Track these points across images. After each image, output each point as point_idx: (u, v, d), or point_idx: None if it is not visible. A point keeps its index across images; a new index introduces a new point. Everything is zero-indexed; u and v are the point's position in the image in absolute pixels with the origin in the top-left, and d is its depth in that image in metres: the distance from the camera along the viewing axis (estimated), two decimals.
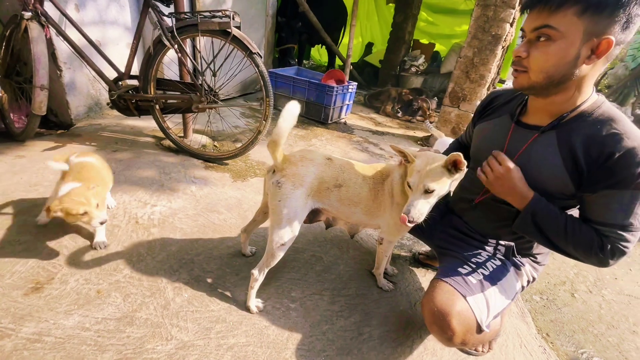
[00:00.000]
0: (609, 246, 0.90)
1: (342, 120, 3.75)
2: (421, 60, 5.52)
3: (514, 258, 1.17)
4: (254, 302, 1.24)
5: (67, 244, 1.40)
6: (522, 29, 0.94)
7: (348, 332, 1.25)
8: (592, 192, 0.92)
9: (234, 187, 2.05)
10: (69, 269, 1.28)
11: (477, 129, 1.27)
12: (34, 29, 1.99)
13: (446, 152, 1.37)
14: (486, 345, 1.27)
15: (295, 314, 1.28)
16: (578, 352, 1.44)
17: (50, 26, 2.06)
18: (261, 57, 2.01)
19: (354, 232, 1.38)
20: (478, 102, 3.16)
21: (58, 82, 2.44)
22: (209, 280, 1.35)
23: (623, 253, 0.90)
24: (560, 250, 1.00)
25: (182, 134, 2.45)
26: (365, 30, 7.48)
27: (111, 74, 2.18)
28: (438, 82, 5.56)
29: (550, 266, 1.98)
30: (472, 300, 1.01)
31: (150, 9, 1.98)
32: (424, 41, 6.34)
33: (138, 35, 2.08)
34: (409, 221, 1.00)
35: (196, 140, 2.48)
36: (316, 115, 3.47)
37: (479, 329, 1.01)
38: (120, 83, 2.12)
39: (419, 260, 1.72)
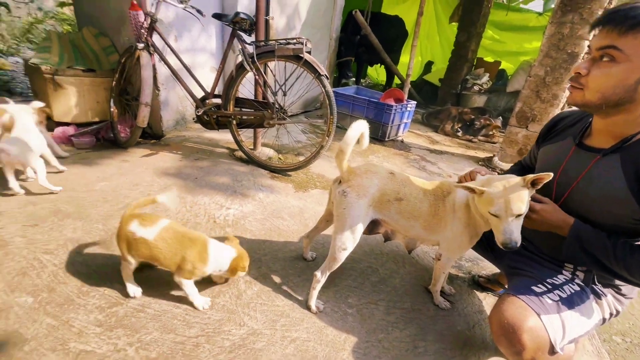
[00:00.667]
0: None
1: (399, 138, 3.78)
2: (485, 78, 5.34)
3: (594, 286, 1.11)
4: (315, 302, 1.34)
5: None
6: (588, 46, 0.94)
7: (403, 343, 1.28)
8: None
9: (296, 196, 2.22)
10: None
11: (541, 152, 1.25)
12: (144, 57, 2.43)
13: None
14: None
15: (352, 319, 1.35)
16: None
17: (155, 54, 2.50)
18: (328, 79, 2.19)
19: (412, 247, 1.42)
20: None
21: (156, 100, 2.90)
22: (275, 278, 1.49)
23: None
24: (618, 276, 0.96)
25: (252, 147, 2.72)
26: (425, 50, 7.47)
27: (198, 93, 2.54)
28: (504, 101, 5.30)
29: (636, 305, 1.77)
30: (546, 319, 0.97)
31: (235, 38, 2.30)
32: (489, 59, 6.12)
33: (224, 60, 2.40)
34: (509, 248, 1.00)
35: (263, 152, 2.73)
36: (374, 132, 3.56)
37: (552, 350, 0.97)
38: (206, 101, 2.45)
39: (478, 283, 1.67)
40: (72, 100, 2.85)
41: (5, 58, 5.10)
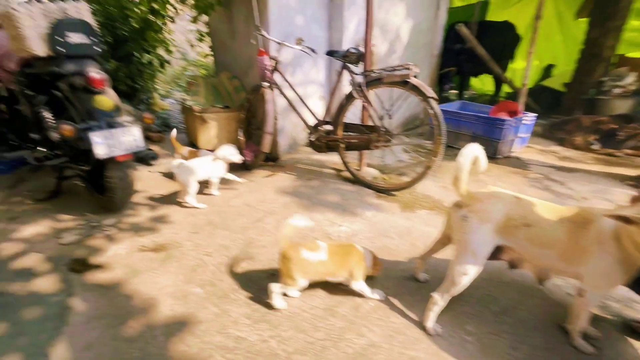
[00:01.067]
0: None
1: (515, 155, 3.43)
2: (630, 79, 4.39)
3: None
4: (433, 325, 1.35)
5: None
6: None
7: None
8: None
9: (402, 216, 2.25)
10: None
11: None
12: (268, 94, 2.89)
13: None
14: None
15: (472, 348, 1.30)
16: None
17: (276, 89, 2.94)
18: (436, 101, 2.20)
19: (544, 277, 1.31)
20: None
21: (274, 128, 3.37)
22: (389, 296, 1.56)
23: None
24: None
25: (357, 167, 2.89)
26: (544, 52, 6.56)
27: (310, 120, 2.86)
28: None
29: None
30: None
31: (345, 70, 2.54)
32: (634, 54, 5.02)
33: (334, 90, 2.67)
34: None
35: (368, 172, 2.86)
36: (484, 150, 3.31)
37: None
38: (319, 127, 2.74)
39: (633, 330, 1.40)
40: (212, 132, 3.55)
41: (164, 100, 6.66)
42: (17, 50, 1.97)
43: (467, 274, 1.23)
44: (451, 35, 4.76)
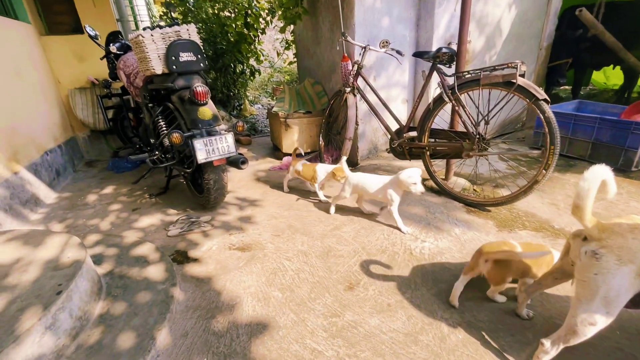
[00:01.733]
0: None
1: None
2: None
3: None
4: None
5: (365, 257, 1.86)
6: None
7: None
8: None
9: (499, 236, 1.97)
10: (368, 278, 1.70)
11: None
12: (350, 99, 2.86)
13: None
14: None
15: None
16: None
17: (358, 94, 2.88)
18: (549, 103, 1.86)
19: None
20: None
21: (355, 133, 3.33)
22: (481, 330, 1.36)
23: None
24: None
25: (444, 176, 2.65)
26: None
27: (393, 126, 2.73)
28: None
29: None
30: None
31: (435, 71, 2.34)
32: None
33: (421, 94, 2.49)
34: None
35: (457, 183, 2.60)
36: (610, 159, 2.70)
37: None
38: (403, 134, 2.60)
39: None
40: (295, 136, 3.70)
41: (253, 106, 7.25)
42: (143, 70, 2.35)
43: (595, 325, 0.98)
44: (566, 21, 4.02)
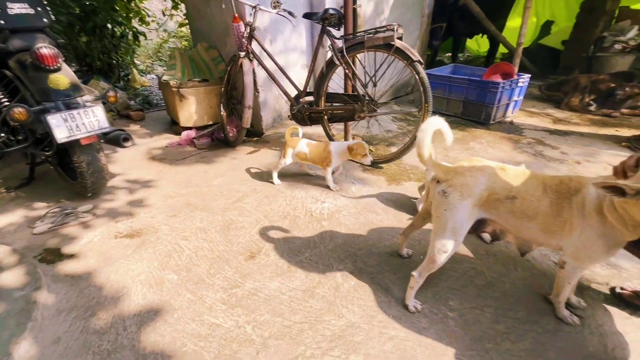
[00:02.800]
0: None
1: (508, 119, 3.30)
2: (632, 32, 4.16)
3: None
4: (413, 302, 1.31)
5: (267, 225, 1.85)
6: None
7: (516, 357, 1.15)
8: None
9: (389, 189, 2.17)
10: (269, 245, 1.70)
11: None
12: (246, 64, 2.69)
13: None
14: None
15: (454, 324, 1.27)
16: None
17: (255, 59, 2.74)
18: (422, 64, 2.04)
19: (526, 250, 1.25)
20: None
21: (256, 102, 3.19)
22: (370, 274, 1.51)
23: None
24: None
25: (344, 139, 2.76)
26: (542, 8, 6.20)
27: (292, 92, 2.69)
28: None
29: None
30: None
31: (325, 35, 2.34)
32: (638, 6, 4.73)
33: (314, 57, 2.48)
34: None
35: None
36: (475, 115, 3.19)
37: None
38: (300, 99, 2.58)
39: (620, 297, 1.36)
40: (192, 108, 3.38)
41: (144, 76, 6.35)
42: None
43: (447, 252, 1.16)
44: None
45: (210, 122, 3.54)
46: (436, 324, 1.27)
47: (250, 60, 2.73)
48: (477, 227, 1.24)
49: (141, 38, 5.48)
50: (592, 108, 3.44)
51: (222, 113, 3.20)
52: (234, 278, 1.50)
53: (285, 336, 1.23)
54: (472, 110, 3.19)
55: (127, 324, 1.29)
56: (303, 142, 2.20)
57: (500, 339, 1.21)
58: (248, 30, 2.62)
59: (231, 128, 3.33)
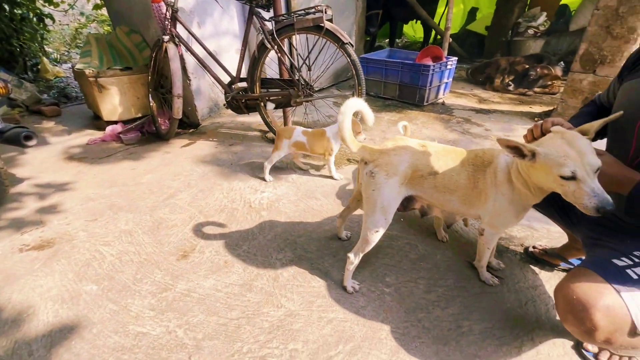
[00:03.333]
0: None
1: (440, 101, 3.49)
2: (541, 19, 4.62)
3: None
4: (350, 283, 1.33)
5: (202, 221, 1.74)
6: None
7: (445, 322, 1.22)
8: None
9: (329, 174, 2.17)
10: (204, 242, 1.61)
11: (623, 89, 1.01)
12: (171, 49, 2.47)
13: (578, 118, 1.15)
14: None
15: (390, 299, 1.31)
16: None
17: (181, 44, 2.52)
18: (353, 47, 2.04)
19: (451, 221, 1.32)
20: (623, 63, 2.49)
21: (188, 90, 2.97)
22: (310, 260, 1.50)
23: None
24: None
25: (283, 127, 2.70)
26: None
27: (225, 79, 2.54)
28: (565, 43, 4.56)
29: None
30: (627, 296, 0.84)
31: (254, 16, 2.22)
32: None
33: (245, 41, 2.35)
34: (607, 212, 0.83)
35: None
36: (410, 97, 3.32)
37: (634, 331, 0.84)
38: (233, 86, 2.45)
39: (532, 255, 1.52)
40: (115, 99, 3.04)
41: (59, 66, 5.59)
42: None
43: (378, 231, 1.18)
44: None
45: (139, 115, 3.22)
46: (373, 301, 1.30)
47: (176, 45, 2.51)
48: (407, 205, 1.28)
49: (52, 22, 4.78)
50: (511, 88, 3.78)
51: (151, 104, 2.93)
52: (164, 281, 1.39)
53: (220, 335, 1.16)
54: (407, 93, 3.31)
55: (34, 348, 1.13)
56: (298, 130, 2.01)
57: (432, 307, 1.28)
58: (170, 11, 2.40)
59: (163, 120, 3.07)
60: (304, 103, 2.37)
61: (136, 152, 2.64)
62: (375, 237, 1.21)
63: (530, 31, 4.62)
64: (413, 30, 7.20)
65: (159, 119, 2.99)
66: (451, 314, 1.25)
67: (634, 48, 2.44)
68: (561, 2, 5.10)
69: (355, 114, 1.13)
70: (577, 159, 0.84)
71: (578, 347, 1.13)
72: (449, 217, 1.30)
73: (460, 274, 1.43)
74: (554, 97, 3.62)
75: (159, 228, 1.70)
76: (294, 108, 2.56)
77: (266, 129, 2.69)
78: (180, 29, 2.50)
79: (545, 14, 4.68)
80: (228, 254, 1.53)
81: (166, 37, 2.45)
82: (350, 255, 1.27)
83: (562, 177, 0.86)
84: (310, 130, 2.04)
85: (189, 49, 2.52)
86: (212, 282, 1.38)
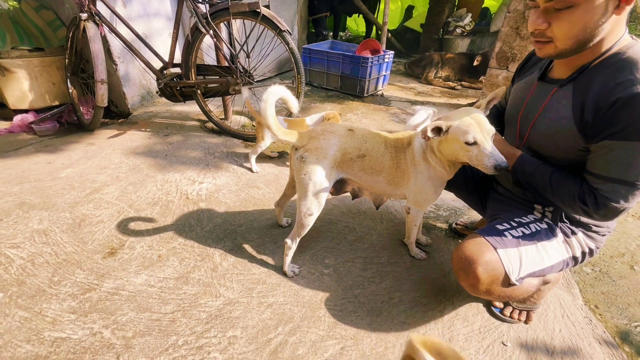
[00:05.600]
0: (594, 198, 0.89)
1: (379, 92, 3.65)
2: (467, 19, 5.05)
3: (562, 224, 1.11)
4: (290, 267, 1.35)
5: (133, 216, 1.63)
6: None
7: (379, 296, 1.31)
8: (594, 143, 0.88)
9: (271, 163, 2.16)
10: (135, 237, 1.50)
11: (513, 89, 1.21)
12: (91, 29, 2.22)
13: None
14: (523, 313, 1.25)
15: (329, 279, 1.37)
16: (631, 325, 1.34)
17: (103, 24, 2.28)
18: (291, 35, 2.03)
19: (379, 202, 1.41)
20: None
21: (115, 76, 2.71)
22: (251, 248, 1.49)
23: (614, 208, 0.87)
24: (554, 203, 1.05)
25: (224, 116, 2.61)
26: None
27: (157, 64, 2.37)
28: (487, 42, 5.07)
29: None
30: (502, 252, 1.01)
31: None
32: None
33: (177, 24, 2.20)
34: (502, 169, 0.97)
35: (236, 120, 2.62)
36: (351, 88, 3.42)
37: (507, 282, 1.01)
38: (165, 72, 2.29)
39: (455, 231, 1.69)
40: (24, 85, 2.66)
41: None
42: None
43: (312, 214, 1.22)
44: None
45: (56, 103, 2.86)
46: (313, 283, 1.34)
47: (97, 24, 2.26)
48: (340, 188, 1.34)
49: None
50: (458, 87, 4.09)
51: (70, 90, 2.63)
52: (88, 281, 1.27)
53: (153, 331, 1.11)
54: (349, 84, 3.41)
55: None
56: (279, 119, 1.91)
57: (367, 283, 1.36)
58: None
59: (86, 109, 2.77)
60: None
61: (53, 144, 2.35)
62: (309, 220, 1.24)
63: (458, 30, 5.04)
64: (356, 24, 7.39)
65: (82, 107, 2.70)
66: (384, 288, 1.35)
67: None
68: (483, 5, 5.63)
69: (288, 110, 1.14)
70: (477, 127, 0.99)
71: (488, 306, 1.30)
72: (377, 199, 1.38)
73: (393, 251, 1.54)
74: (477, 91, 4.01)
75: (81, 225, 1.54)
76: (233, 97, 2.48)
77: (205, 118, 2.58)
78: (101, 6, 2.26)
79: (470, 15, 5.12)
80: (162, 247, 1.45)
81: (84, 15, 2.20)
82: (288, 240, 1.29)
83: (467, 143, 1.00)
84: (291, 118, 2.05)
85: (112, 29, 2.29)
86: (144, 277, 1.30)
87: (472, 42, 5.08)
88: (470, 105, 3.39)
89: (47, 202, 1.69)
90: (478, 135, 0.98)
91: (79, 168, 2.02)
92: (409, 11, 6.65)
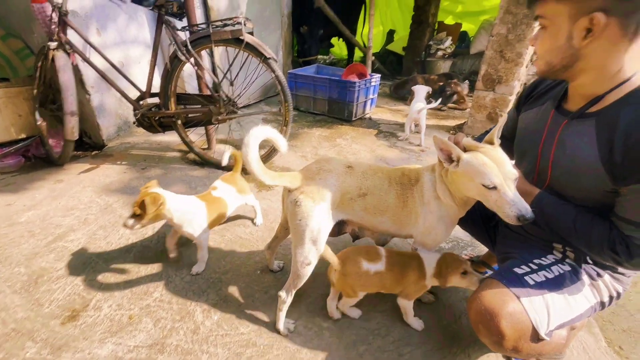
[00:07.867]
0: (627, 247, 0.80)
1: (367, 116, 3.60)
2: (448, 42, 5.18)
3: (587, 266, 1.00)
4: (284, 324, 1.18)
5: (101, 267, 1.42)
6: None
7: (387, 352, 1.15)
8: (625, 186, 0.79)
9: (259, 197, 2.00)
10: (102, 294, 1.30)
11: (520, 119, 1.12)
12: (60, 58, 2.07)
13: (482, 136, 1.21)
14: None
15: (329, 334, 1.20)
16: None
17: (75, 53, 2.14)
18: (277, 62, 1.94)
19: (383, 242, 1.27)
20: (516, 83, 2.87)
21: (88, 106, 2.54)
22: (238, 300, 1.31)
23: None
24: (577, 248, 0.94)
25: (207, 146, 2.46)
26: (385, 18, 7.17)
27: (135, 93, 2.22)
28: (468, 64, 5.18)
29: None
30: (527, 302, 0.87)
31: (163, 25, 1.98)
32: (450, 22, 5.95)
33: (155, 52, 2.09)
34: (527, 220, 0.85)
35: (220, 150, 2.47)
36: (339, 113, 3.35)
37: (536, 337, 0.87)
38: (142, 102, 2.15)
39: None
40: None
41: None
42: None
43: (310, 263, 1.07)
44: (305, 8, 4.53)
45: (23, 136, 2.64)
46: (311, 341, 1.17)
47: (68, 54, 2.11)
48: (339, 230, 1.20)
49: None
50: (432, 103, 4.09)
51: (38, 122, 2.42)
52: (41, 356, 1.06)
53: None
54: (336, 108, 3.34)
55: None
56: (191, 198, 1.46)
57: (372, 337, 1.20)
58: (57, 13, 2.02)
59: (57, 141, 2.57)
60: (228, 120, 2.19)
61: (16, 182, 2.13)
62: (307, 270, 1.09)
63: (440, 53, 5.15)
64: (339, 48, 7.50)
65: (52, 140, 2.49)
66: (392, 342, 1.19)
67: (522, 70, 2.83)
68: (461, 30, 5.82)
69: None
70: (496, 168, 0.88)
71: (508, 357, 1.15)
72: (381, 239, 1.25)
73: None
74: (463, 112, 4.03)
75: (38, 283, 1.33)
76: (216, 126, 2.35)
77: (187, 149, 2.42)
78: (73, 35, 2.12)
79: (450, 38, 5.26)
80: (134, 306, 1.25)
81: (53, 44, 2.05)
82: (282, 293, 1.13)
83: (484, 186, 0.88)
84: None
85: (85, 59, 2.14)
86: (111, 347, 1.10)
87: (454, 64, 5.19)
88: (460, 126, 3.38)
89: (0, 254, 1.47)
90: (497, 179, 0.86)
91: (42, 210, 1.80)
92: (390, 35, 6.81)
